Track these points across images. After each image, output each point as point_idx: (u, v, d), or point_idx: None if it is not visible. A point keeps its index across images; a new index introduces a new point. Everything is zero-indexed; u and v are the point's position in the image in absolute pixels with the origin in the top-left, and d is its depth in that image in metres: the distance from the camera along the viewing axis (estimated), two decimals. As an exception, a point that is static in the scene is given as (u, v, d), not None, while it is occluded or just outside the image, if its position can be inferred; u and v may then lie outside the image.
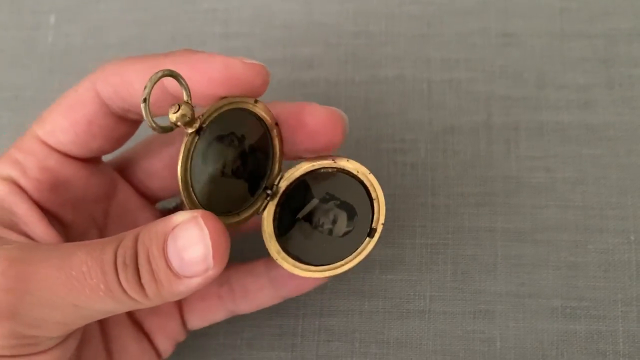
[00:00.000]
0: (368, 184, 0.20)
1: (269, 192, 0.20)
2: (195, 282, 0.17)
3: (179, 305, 0.23)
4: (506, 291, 0.25)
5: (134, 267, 0.17)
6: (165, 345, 0.23)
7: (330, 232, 0.20)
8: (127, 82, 0.19)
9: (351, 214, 0.20)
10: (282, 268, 0.20)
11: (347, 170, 0.20)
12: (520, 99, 0.27)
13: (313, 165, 0.20)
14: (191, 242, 0.17)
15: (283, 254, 0.20)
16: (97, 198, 0.22)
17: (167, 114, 0.17)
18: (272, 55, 0.29)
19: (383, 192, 0.20)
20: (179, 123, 0.17)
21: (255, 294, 0.23)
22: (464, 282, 0.26)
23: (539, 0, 0.28)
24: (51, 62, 0.31)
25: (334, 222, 0.20)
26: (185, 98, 0.17)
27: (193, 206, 0.18)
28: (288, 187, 0.20)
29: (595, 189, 0.26)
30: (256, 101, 0.19)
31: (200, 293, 0.23)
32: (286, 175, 0.20)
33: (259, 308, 0.24)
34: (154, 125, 0.17)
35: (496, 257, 0.26)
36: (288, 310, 0.26)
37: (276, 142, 0.20)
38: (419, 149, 0.27)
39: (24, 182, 0.20)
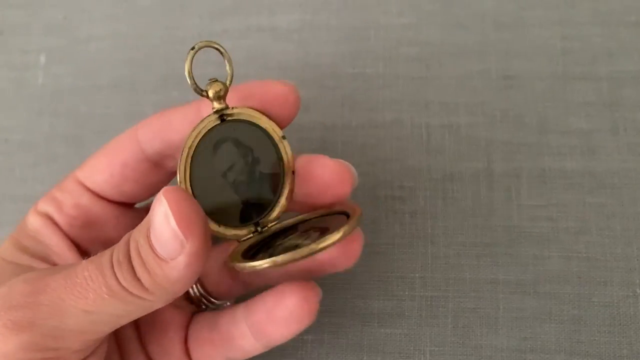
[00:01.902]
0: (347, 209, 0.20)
1: (259, 229, 0.20)
2: (181, 263, 0.17)
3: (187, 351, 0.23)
4: (507, 346, 0.25)
5: (128, 262, 0.17)
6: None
7: (307, 238, 0.19)
8: (167, 122, 0.21)
9: (325, 230, 0.20)
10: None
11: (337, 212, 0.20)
12: (522, 145, 0.26)
13: (309, 216, 0.21)
14: (160, 221, 0.17)
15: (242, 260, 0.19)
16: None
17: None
18: (266, 98, 0.28)
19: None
20: (210, 93, 0.19)
21: (239, 341, 0.22)
22: (464, 337, 0.25)
23: (540, 40, 0.27)
24: (41, 103, 0.30)
25: (308, 237, 0.19)
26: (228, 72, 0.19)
27: (182, 179, 0.19)
28: (276, 230, 0.21)
29: (599, 240, 0.25)
30: (284, 137, 0.20)
31: (197, 337, 0.23)
32: (282, 222, 0.21)
33: (247, 357, 0.23)
34: (191, 77, 0.19)
35: (498, 310, 0.25)
36: (284, 364, 0.25)
37: (286, 188, 0.20)
38: (418, 196, 0.26)
39: (58, 217, 0.21)
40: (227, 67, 0.20)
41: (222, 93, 0.19)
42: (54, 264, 0.21)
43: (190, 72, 0.19)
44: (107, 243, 0.21)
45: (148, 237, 0.17)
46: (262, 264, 0.17)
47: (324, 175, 0.20)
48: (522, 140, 0.27)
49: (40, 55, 0.31)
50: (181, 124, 0.21)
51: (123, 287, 0.17)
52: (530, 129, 0.27)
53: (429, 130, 0.27)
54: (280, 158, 0.20)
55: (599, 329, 0.24)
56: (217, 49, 0.20)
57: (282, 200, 0.20)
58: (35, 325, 0.17)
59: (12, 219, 0.26)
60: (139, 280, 0.17)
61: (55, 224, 0.21)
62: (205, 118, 0.19)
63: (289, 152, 0.20)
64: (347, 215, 0.19)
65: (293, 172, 0.20)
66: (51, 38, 0.31)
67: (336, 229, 0.17)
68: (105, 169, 0.21)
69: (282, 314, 0.20)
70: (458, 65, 0.28)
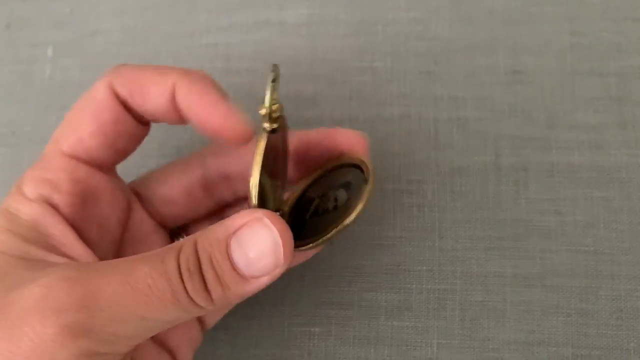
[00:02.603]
0: (355, 160, 0.22)
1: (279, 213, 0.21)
2: (263, 281, 0.18)
3: None
4: (515, 339, 0.25)
5: (199, 273, 0.17)
6: (188, 356, 0.23)
7: (335, 207, 0.21)
8: (144, 89, 0.20)
9: (347, 185, 0.22)
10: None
11: (333, 166, 0.22)
12: (530, 139, 0.27)
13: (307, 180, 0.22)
14: (259, 242, 0.17)
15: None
16: (119, 219, 0.22)
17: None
18: (274, 92, 0.28)
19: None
20: (273, 113, 0.20)
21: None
22: (472, 329, 0.25)
23: (548, 36, 0.28)
24: (48, 97, 0.30)
25: (336, 199, 0.21)
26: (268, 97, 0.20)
27: (263, 205, 0.19)
28: (291, 207, 0.22)
29: (606, 233, 0.25)
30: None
31: None
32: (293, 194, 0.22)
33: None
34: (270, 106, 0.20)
35: (505, 303, 0.25)
36: (292, 356, 0.25)
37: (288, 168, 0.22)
38: (426, 190, 0.27)
39: (57, 197, 0.20)
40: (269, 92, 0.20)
41: (277, 114, 0.20)
42: (63, 254, 0.19)
43: (270, 101, 0.20)
44: (103, 223, 0.21)
45: (228, 253, 0.17)
46: (315, 245, 0.20)
47: (346, 143, 0.22)
48: (530, 134, 0.27)
49: (48, 48, 0.31)
50: (156, 98, 0.20)
51: (190, 297, 0.17)
52: (538, 123, 0.27)
53: (437, 124, 0.27)
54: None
55: (606, 322, 0.25)
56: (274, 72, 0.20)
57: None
58: (93, 331, 0.16)
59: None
60: (209, 292, 0.17)
61: (54, 209, 0.20)
62: (263, 138, 0.19)
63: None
64: (355, 166, 0.21)
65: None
66: (58, 31, 0.31)
67: (355, 185, 0.20)
68: (98, 130, 0.20)
69: None
70: (466, 60, 0.28)
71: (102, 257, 0.21)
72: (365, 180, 0.21)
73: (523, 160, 0.26)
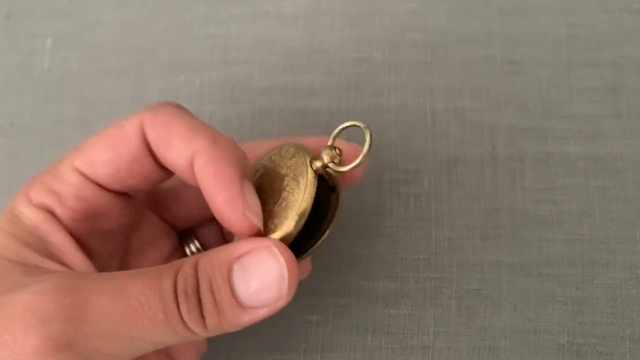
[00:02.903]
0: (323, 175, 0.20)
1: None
2: (262, 313, 0.17)
3: None
4: (511, 327, 0.25)
5: (196, 297, 0.16)
6: None
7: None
8: (169, 140, 0.19)
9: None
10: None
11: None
12: (526, 130, 0.27)
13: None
14: (264, 272, 0.17)
15: None
16: (124, 229, 0.22)
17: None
18: (272, 83, 0.29)
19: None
20: (325, 158, 0.19)
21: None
22: (468, 317, 0.25)
23: (544, 27, 0.28)
24: (47, 88, 0.30)
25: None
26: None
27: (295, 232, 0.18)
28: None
29: (602, 222, 0.26)
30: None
31: None
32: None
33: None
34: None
35: (501, 291, 0.25)
36: (289, 345, 0.26)
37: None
38: (422, 180, 0.27)
39: (59, 211, 0.19)
40: (366, 145, 0.19)
41: (336, 161, 0.19)
42: (61, 262, 0.19)
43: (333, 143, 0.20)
44: (107, 235, 0.21)
45: (230, 280, 0.17)
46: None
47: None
48: (526, 125, 0.27)
49: (47, 39, 0.31)
50: (176, 155, 0.19)
51: (183, 320, 0.16)
52: (535, 114, 0.27)
53: (433, 115, 0.27)
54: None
55: (602, 310, 0.25)
56: (358, 126, 0.20)
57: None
58: (76, 346, 0.16)
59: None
60: (203, 317, 0.17)
61: (56, 218, 0.19)
62: (314, 176, 0.19)
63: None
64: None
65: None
66: (57, 23, 0.31)
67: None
68: (111, 162, 0.19)
69: None
70: (463, 51, 0.28)
71: (103, 266, 0.21)
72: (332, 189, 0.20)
73: (519, 150, 0.27)
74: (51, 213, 0.19)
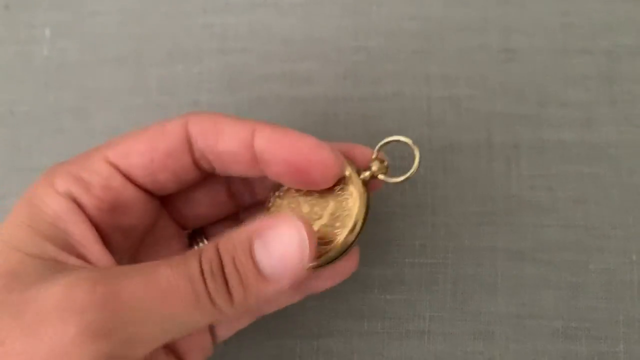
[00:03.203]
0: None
1: None
2: (284, 283, 0.18)
3: None
4: (506, 312, 0.25)
5: (222, 275, 0.17)
6: None
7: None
8: (219, 130, 0.20)
9: None
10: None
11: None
12: (522, 117, 0.27)
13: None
14: (285, 242, 0.18)
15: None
16: (143, 227, 0.22)
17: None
18: (270, 71, 0.29)
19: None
20: (374, 167, 0.21)
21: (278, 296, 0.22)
22: (464, 303, 0.25)
23: (540, 15, 0.28)
24: (46, 76, 0.30)
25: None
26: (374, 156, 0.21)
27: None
28: None
29: (596, 209, 0.26)
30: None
31: None
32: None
33: (280, 308, 0.24)
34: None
35: (496, 277, 0.26)
36: (286, 330, 0.26)
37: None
38: (419, 166, 0.27)
39: (85, 199, 0.19)
40: (415, 159, 0.21)
41: (372, 176, 0.21)
42: (80, 255, 0.19)
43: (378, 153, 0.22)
44: (127, 230, 0.21)
45: (252, 254, 0.17)
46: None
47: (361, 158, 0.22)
48: (522, 112, 0.27)
49: (46, 29, 0.31)
50: (230, 138, 0.20)
51: (211, 298, 0.17)
52: (530, 101, 0.27)
53: (430, 102, 0.28)
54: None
55: (596, 295, 0.25)
56: (404, 142, 0.22)
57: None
58: (114, 333, 0.16)
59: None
60: (230, 294, 0.17)
61: (81, 208, 0.19)
62: (363, 188, 0.21)
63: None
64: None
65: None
66: (56, 12, 0.31)
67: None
68: (147, 152, 0.20)
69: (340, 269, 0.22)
70: (459, 39, 0.28)
71: (119, 261, 0.21)
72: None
73: (514, 137, 0.27)
74: (76, 202, 0.19)
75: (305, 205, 0.21)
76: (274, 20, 0.29)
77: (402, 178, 0.21)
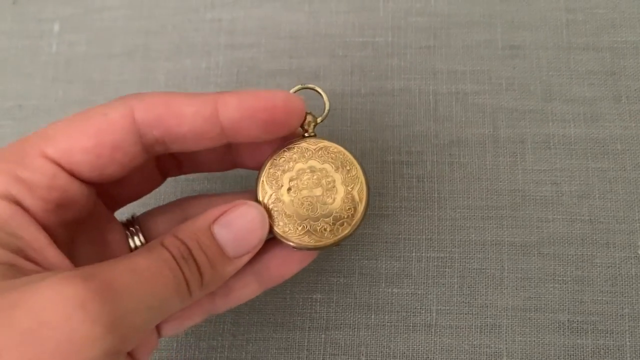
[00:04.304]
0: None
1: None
2: (243, 261, 0.20)
3: None
4: (512, 305, 0.25)
5: (192, 258, 0.18)
6: (145, 358, 0.22)
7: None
8: (177, 112, 0.19)
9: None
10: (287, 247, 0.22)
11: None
12: (527, 112, 0.27)
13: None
14: (246, 221, 0.19)
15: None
16: (85, 216, 0.20)
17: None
18: (277, 66, 0.29)
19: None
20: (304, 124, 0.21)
21: (239, 291, 0.23)
22: (470, 296, 0.26)
23: (545, 12, 0.28)
24: (55, 70, 0.31)
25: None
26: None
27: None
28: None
29: (601, 203, 0.26)
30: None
31: None
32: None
33: (239, 304, 0.23)
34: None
35: (503, 270, 0.26)
36: (294, 323, 0.26)
37: None
38: (425, 161, 0.27)
39: (29, 201, 0.18)
40: (326, 106, 0.22)
41: (313, 125, 0.22)
42: (32, 260, 0.18)
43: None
44: (73, 224, 0.20)
45: (213, 237, 0.19)
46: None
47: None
48: (527, 107, 0.27)
49: (54, 24, 0.31)
50: (194, 119, 0.19)
51: (187, 281, 0.18)
52: (535, 96, 0.27)
53: (436, 97, 0.28)
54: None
55: (601, 289, 0.25)
56: (314, 89, 0.22)
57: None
58: (118, 325, 0.15)
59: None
60: (201, 275, 0.18)
61: (26, 211, 0.18)
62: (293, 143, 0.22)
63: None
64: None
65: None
66: (65, 7, 0.31)
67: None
68: (93, 149, 0.18)
69: (296, 258, 0.22)
70: (465, 35, 0.28)
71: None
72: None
73: (520, 132, 0.27)
74: (19, 205, 0.18)
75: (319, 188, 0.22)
76: (282, 16, 0.30)
77: (323, 116, 0.22)
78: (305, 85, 0.22)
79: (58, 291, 0.15)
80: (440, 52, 0.28)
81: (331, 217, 0.21)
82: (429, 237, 0.26)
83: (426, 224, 0.26)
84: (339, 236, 0.21)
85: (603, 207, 0.26)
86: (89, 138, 0.18)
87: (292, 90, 0.22)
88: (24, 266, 0.17)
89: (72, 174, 0.19)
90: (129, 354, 0.20)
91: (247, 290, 0.23)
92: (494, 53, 0.28)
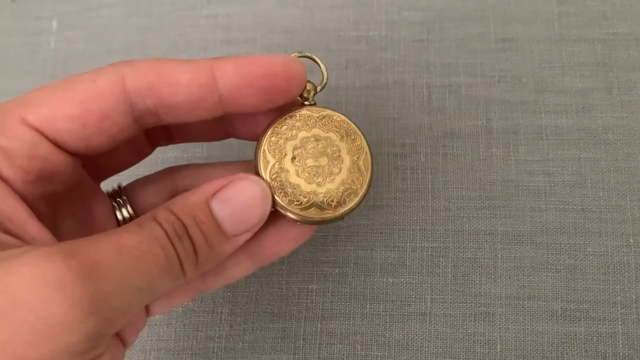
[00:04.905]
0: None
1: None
2: (243, 238, 0.18)
3: None
4: (506, 294, 0.26)
5: (187, 236, 0.17)
6: (132, 338, 0.21)
7: None
8: (171, 79, 0.18)
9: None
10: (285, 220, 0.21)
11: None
12: (519, 104, 0.27)
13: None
14: (245, 197, 0.18)
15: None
16: (69, 189, 0.19)
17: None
18: (273, 61, 0.29)
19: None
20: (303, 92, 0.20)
21: (232, 269, 0.22)
22: (464, 285, 0.26)
23: (537, 5, 0.29)
24: (54, 67, 0.31)
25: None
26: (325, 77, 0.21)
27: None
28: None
29: (594, 193, 0.26)
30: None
31: None
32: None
33: (231, 282, 0.23)
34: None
35: (496, 260, 0.26)
36: (290, 313, 0.26)
37: None
38: (419, 153, 0.27)
39: (8, 171, 0.17)
40: (324, 75, 0.21)
41: (312, 93, 0.21)
42: (12, 233, 0.17)
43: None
44: (56, 197, 0.19)
45: (211, 213, 0.18)
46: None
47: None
48: (520, 99, 0.28)
49: (53, 21, 0.32)
50: (189, 87, 0.18)
51: (180, 260, 0.17)
52: (528, 88, 0.28)
53: (430, 90, 0.28)
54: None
55: (594, 277, 0.25)
56: (311, 58, 0.21)
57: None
58: (99, 307, 0.14)
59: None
60: (196, 253, 0.17)
61: (3, 180, 0.17)
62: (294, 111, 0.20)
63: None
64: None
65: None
66: (63, 5, 0.32)
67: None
68: (79, 118, 0.17)
69: (291, 236, 0.21)
70: (458, 28, 0.29)
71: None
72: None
73: (513, 124, 0.27)
74: None
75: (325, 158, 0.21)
76: (277, 11, 0.30)
77: (322, 84, 0.22)
78: (303, 54, 0.21)
79: (35, 270, 0.14)
80: (433, 45, 0.29)
81: (338, 188, 0.20)
82: (423, 227, 0.27)
83: (420, 214, 0.27)
84: (346, 208, 0.20)
85: (595, 197, 0.26)
86: (75, 105, 0.17)
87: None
88: (2, 240, 0.16)
89: (55, 143, 0.18)
90: (115, 333, 0.19)
91: (239, 268, 0.22)
92: (486, 46, 0.28)
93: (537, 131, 0.27)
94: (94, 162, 0.21)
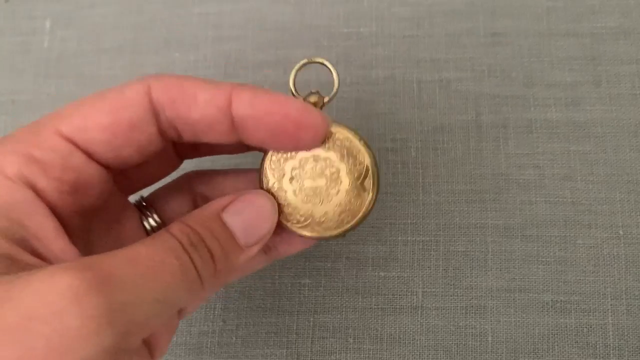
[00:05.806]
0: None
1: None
2: (253, 251, 0.19)
3: None
4: (497, 286, 0.26)
5: (203, 245, 0.17)
6: (164, 347, 0.21)
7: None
8: (191, 96, 0.18)
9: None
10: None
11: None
12: (509, 98, 0.28)
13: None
14: (256, 210, 0.19)
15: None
16: (102, 204, 0.20)
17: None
18: (264, 58, 0.30)
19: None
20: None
21: (247, 264, 0.22)
22: (455, 278, 0.26)
23: (525, 0, 0.29)
24: (47, 66, 0.31)
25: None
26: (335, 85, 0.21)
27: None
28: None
29: (583, 185, 0.26)
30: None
31: None
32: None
33: (246, 275, 0.24)
34: (294, 89, 0.21)
35: (487, 253, 0.26)
36: (283, 307, 0.26)
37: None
38: (410, 147, 0.28)
39: (43, 182, 0.17)
40: (335, 83, 0.21)
41: (319, 105, 0.21)
42: (35, 252, 0.16)
43: (294, 85, 0.21)
44: (87, 211, 0.19)
45: (224, 224, 0.18)
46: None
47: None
48: (509, 93, 0.28)
49: (46, 20, 0.32)
50: (206, 106, 0.18)
51: (197, 270, 0.17)
52: (517, 82, 0.28)
53: (420, 85, 0.28)
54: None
55: (584, 269, 0.26)
56: (322, 64, 0.21)
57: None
58: (114, 320, 0.14)
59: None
60: (214, 263, 0.17)
61: (39, 194, 0.17)
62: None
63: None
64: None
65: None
66: (56, 4, 0.32)
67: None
68: (109, 128, 0.17)
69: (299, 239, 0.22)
70: (448, 24, 0.29)
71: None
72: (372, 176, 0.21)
73: (502, 118, 0.27)
74: (32, 187, 0.17)
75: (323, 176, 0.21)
76: (268, 8, 0.30)
77: (331, 95, 0.21)
78: (313, 60, 0.21)
79: (49, 283, 0.14)
80: (423, 41, 0.29)
81: (335, 210, 0.20)
82: (414, 221, 0.27)
83: (411, 208, 0.27)
84: (342, 229, 0.20)
85: (585, 189, 0.26)
86: (105, 115, 0.17)
87: (298, 65, 0.21)
88: (22, 259, 0.16)
89: (87, 153, 0.18)
90: (145, 342, 0.19)
91: (254, 263, 0.22)
92: (476, 41, 0.28)
93: (526, 125, 0.27)
94: (124, 175, 0.21)
